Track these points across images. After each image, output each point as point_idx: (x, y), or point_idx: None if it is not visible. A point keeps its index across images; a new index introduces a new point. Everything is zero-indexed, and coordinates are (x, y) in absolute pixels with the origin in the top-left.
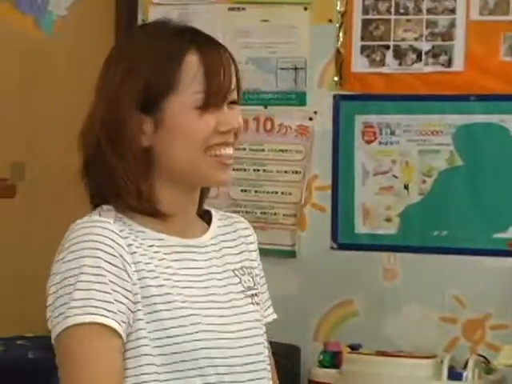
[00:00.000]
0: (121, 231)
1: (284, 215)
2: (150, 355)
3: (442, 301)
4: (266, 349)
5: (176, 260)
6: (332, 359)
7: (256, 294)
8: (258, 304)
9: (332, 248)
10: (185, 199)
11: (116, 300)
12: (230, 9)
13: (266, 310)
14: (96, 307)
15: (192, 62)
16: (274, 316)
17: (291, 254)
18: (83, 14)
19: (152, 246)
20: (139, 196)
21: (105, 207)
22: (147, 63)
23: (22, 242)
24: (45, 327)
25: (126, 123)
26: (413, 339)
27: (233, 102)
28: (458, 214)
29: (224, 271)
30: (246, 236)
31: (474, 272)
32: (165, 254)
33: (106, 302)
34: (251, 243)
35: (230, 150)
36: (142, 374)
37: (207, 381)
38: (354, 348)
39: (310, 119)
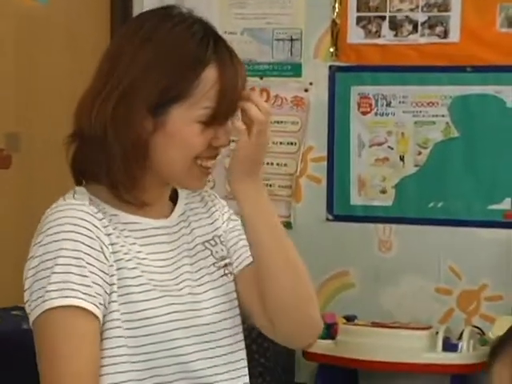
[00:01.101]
0: (96, 213)
1: (279, 186)
2: (122, 337)
3: (437, 272)
4: (234, 322)
5: (146, 245)
6: (327, 330)
7: (230, 263)
8: (230, 274)
9: (327, 219)
10: (164, 191)
11: (94, 283)
12: None
13: (244, 253)
14: (74, 290)
15: (210, 77)
16: (251, 259)
17: (287, 225)
18: None
19: (124, 230)
20: (131, 183)
21: (78, 189)
22: (169, 66)
23: (17, 213)
24: None
25: (135, 118)
26: (408, 310)
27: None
28: (453, 186)
29: (195, 246)
30: (214, 202)
31: (470, 243)
32: (135, 238)
33: (83, 285)
34: (221, 207)
35: (212, 161)
36: (114, 355)
37: (180, 361)
38: (350, 319)
39: (306, 90)
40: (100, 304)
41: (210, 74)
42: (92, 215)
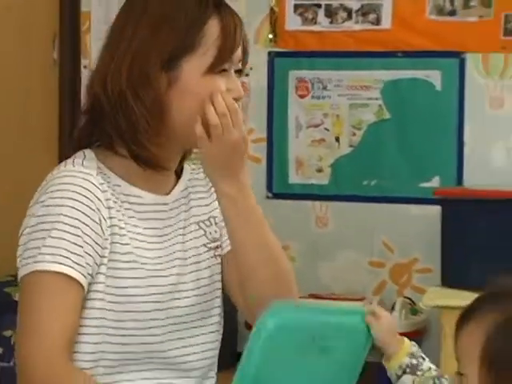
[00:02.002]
0: (101, 184)
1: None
2: (104, 309)
3: (371, 246)
4: (213, 304)
5: (144, 219)
6: None
7: (219, 245)
8: (219, 256)
9: (267, 197)
10: (174, 158)
11: (86, 253)
12: None
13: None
14: (65, 257)
15: (213, 27)
16: None
17: None
18: None
19: (125, 202)
20: (156, 140)
21: (88, 155)
22: (175, 22)
23: None
24: None
25: (150, 75)
26: (344, 283)
27: (238, 71)
28: (386, 165)
29: (189, 225)
30: (208, 186)
31: (402, 219)
32: (135, 212)
33: (75, 254)
34: (211, 191)
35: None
36: (92, 325)
37: (152, 340)
38: None
39: (247, 75)
40: (88, 274)
41: (212, 24)
42: (97, 187)
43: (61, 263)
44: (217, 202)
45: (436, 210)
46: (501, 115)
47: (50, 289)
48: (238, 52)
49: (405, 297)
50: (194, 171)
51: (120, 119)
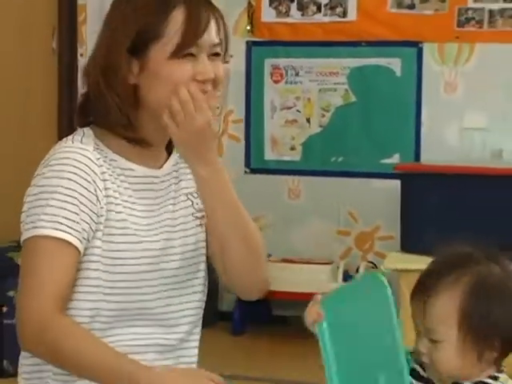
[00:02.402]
0: (97, 159)
1: None
2: (99, 270)
3: (338, 216)
4: (198, 267)
5: (137, 190)
6: None
7: (202, 213)
8: (204, 225)
9: (245, 172)
10: (162, 133)
11: (82, 220)
12: None
13: None
14: (62, 224)
15: (177, 17)
16: None
17: None
18: None
19: (121, 175)
20: (128, 124)
21: (86, 133)
22: (139, 16)
23: None
24: None
25: (118, 63)
26: (313, 249)
27: (215, 55)
28: (351, 143)
29: (179, 195)
30: None
31: (365, 192)
32: (129, 183)
33: (72, 221)
34: None
35: (202, 97)
36: (89, 285)
37: (143, 298)
38: None
39: (227, 62)
40: (83, 238)
41: (177, 14)
42: (93, 161)
43: (58, 229)
44: None
45: (396, 183)
46: (454, 99)
47: (47, 252)
48: (209, 38)
49: (368, 261)
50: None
51: (98, 105)
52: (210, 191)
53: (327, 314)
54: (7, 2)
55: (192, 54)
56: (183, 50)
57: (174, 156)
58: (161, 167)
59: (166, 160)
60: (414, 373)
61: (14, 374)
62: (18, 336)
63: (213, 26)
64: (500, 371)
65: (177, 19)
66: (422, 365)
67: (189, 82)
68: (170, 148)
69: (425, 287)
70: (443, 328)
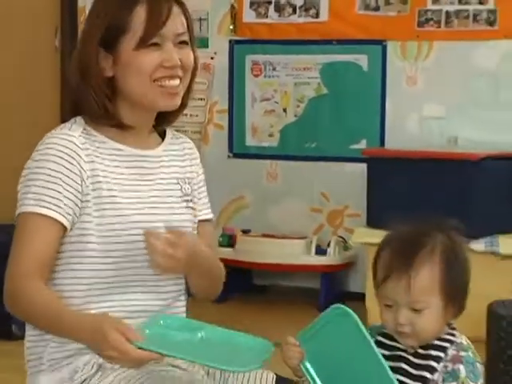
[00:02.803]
0: (83, 143)
1: (192, 132)
2: (94, 243)
3: (311, 196)
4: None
5: (129, 167)
6: (228, 240)
7: (191, 200)
8: (192, 208)
9: (229, 157)
10: (142, 117)
11: (65, 197)
12: None
13: (204, 210)
14: (46, 202)
15: (140, 12)
16: (211, 215)
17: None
18: None
19: (111, 155)
20: (105, 113)
21: (78, 120)
22: (107, 12)
23: None
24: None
25: (92, 58)
26: (289, 225)
27: (183, 43)
28: (323, 131)
29: (170, 178)
30: (191, 154)
31: (336, 174)
32: (120, 161)
33: (55, 198)
34: (195, 159)
35: (174, 82)
36: (86, 256)
37: (136, 265)
38: (245, 232)
39: (212, 58)
40: (68, 214)
41: (140, 9)
42: (77, 146)
43: (42, 206)
44: (194, 172)
45: (363, 167)
46: (415, 91)
47: (32, 226)
48: (173, 28)
49: (338, 236)
50: (173, 138)
51: (77, 96)
52: (192, 271)
53: (307, 353)
54: (15, 5)
55: (157, 44)
56: (147, 41)
57: (166, 142)
58: (152, 148)
59: (160, 143)
60: (377, 343)
61: (22, 337)
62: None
63: (176, 16)
64: (452, 328)
65: (140, 13)
66: (385, 335)
67: (158, 68)
68: (163, 135)
69: (404, 264)
70: (427, 297)
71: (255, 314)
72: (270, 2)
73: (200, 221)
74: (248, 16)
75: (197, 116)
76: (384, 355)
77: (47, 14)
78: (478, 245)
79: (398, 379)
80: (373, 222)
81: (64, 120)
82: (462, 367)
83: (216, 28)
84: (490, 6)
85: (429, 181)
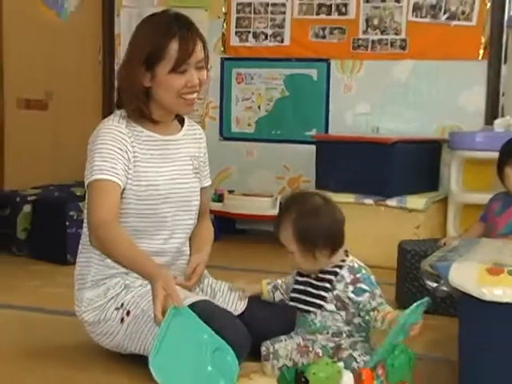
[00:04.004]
0: (128, 133)
1: (194, 122)
2: (132, 202)
3: (277, 168)
4: (195, 201)
5: (157, 149)
6: (218, 197)
7: (198, 172)
8: (198, 178)
9: (219, 139)
10: (167, 115)
11: (120, 168)
12: None
13: (206, 179)
14: (107, 170)
15: (174, 45)
16: (210, 183)
17: None
18: (84, 9)
19: (145, 140)
20: (139, 113)
21: (123, 114)
22: (149, 41)
23: (51, 138)
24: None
25: (136, 72)
26: (262, 188)
27: (201, 67)
28: (286, 122)
29: (185, 156)
30: (200, 138)
31: (295, 153)
32: (151, 145)
33: (114, 167)
34: (203, 142)
35: (193, 96)
36: (126, 212)
37: (163, 215)
38: (231, 191)
39: (208, 70)
40: (121, 180)
41: (173, 44)
42: (124, 134)
43: (105, 174)
44: (201, 150)
45: (313, 147)
46: (349, 95)
47: (101, 188)
48: (195, 58)
49: None
50: (189, 125)
51: (124, 101)
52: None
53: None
54: (72, 31)
55: (184, 70)
56: (177, 69)
57: (184, 130)
58: (174, 134)
59: (180, 130)
60: (297, 272)
61: (73, 263)
62: (89, 235)
63: (198, 48)
64: (347, 256)
65: (174, 47)
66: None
67: (183, 88)
68: (182, 123)
69: (277, 222)
70: (289, 245)
71: (237, 250)
72: (249, 32)
73: (202, 187)
74: (234, 41)
75: (197, 111)
76: (297, 281)
77: (93, 37)
78: (393, 202)
79: (303, 299)
80: (319, 185)
81: (104, 113)
82: (362, 285)
83: (211, 49)
84: (403, 36)
85: (358, 157)
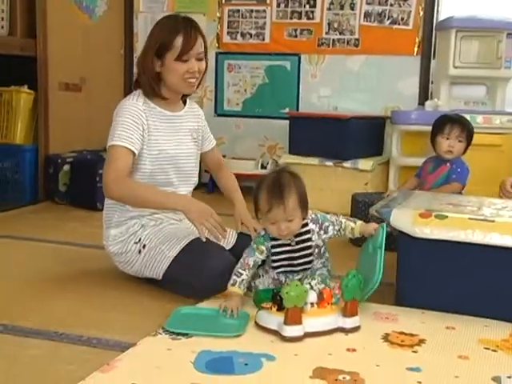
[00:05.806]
0: (144, 109)
1: (195, 101)
2: (146, 164)
3: (259, 138)
4: (195, 164)
5: (166, 123)
6: None
7: (197, 142)
8: (198, 145)
9: (214, 116)
10: (175, 95)
11: (136, 137)
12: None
13: (211, 141)
14: (125, 138)
15: (179, 39)
16: (214, 142)
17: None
18: (110, 14)
19: (157, 115)
20: (153, 92)
21: (138, 93)
22: (160, 36)
23: (85, 113)
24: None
25: (149, 61)
26: (247, 153)
27: (200, 58)
28: (266, 102)
29: (187, 129)
30: (198, 114)
31: (272, 126)
32: (162, 120)
33: (131, 137)
34: (200, 117)
35: (194, 80)
36: (143, 170)
37: (167, 176)
38: (223, 156)
39: (206, 62)
40: (136, 148)
41: (179, 38)
42: (141, 110)
43: (123, 141)
44: (197, 122)
45: (287, 122)
46: (315, 81)
47: (118, 152)
48: (196, 50)
49: (273, 159)
50: (190, 104)
51: (140, 81)
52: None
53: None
54: (98, 29)
55: (187, 60)
56: (181, 58)
57: (186, 107)
58: (180, 111)
59: (183, 108)
60: (273, 241)
61: (101, 209)
62: (103, 187)
63: (198, 42)
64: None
65: (178, 40)
66: (273, 238)
67: (186, 73)
68: (185, 103)
69: (279, 198)
70: (295, 212)
71: (226, 201)
72: (238, 32)
73: (208, 150)
74: (226, 39)
75: (197, 93)
76: (274, 245)
77: (117, 36)
78: (348, 164)
79: (290, 270)
80: (292, 151)
81: (125, 94)
82: (325, 223)
83: (208, 45)
84: (356, 36)
85: (322, 130)
